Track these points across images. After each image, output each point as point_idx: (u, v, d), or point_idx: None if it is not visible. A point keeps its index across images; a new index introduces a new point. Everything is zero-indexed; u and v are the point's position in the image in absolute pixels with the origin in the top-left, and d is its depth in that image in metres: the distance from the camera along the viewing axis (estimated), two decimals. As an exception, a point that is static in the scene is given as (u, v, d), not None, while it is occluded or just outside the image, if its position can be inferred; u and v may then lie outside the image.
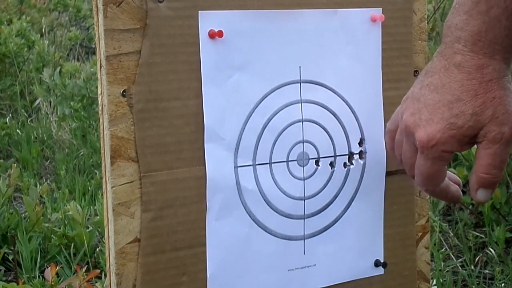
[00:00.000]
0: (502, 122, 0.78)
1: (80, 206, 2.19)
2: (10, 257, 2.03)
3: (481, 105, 0.77)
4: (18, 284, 1.61)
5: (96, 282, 1.79)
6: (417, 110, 0.81)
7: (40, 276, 1.88)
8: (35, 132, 3.33)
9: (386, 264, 1.02)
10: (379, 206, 1.01)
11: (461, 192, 0.92)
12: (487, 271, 1.97)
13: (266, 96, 0.93)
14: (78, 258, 2.02)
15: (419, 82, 0.83)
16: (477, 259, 2.02)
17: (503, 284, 1.88)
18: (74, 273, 1.60)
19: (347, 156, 0.98)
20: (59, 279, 1.79)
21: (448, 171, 0.88)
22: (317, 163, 0.97)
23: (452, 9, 0.79)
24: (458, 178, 0.94)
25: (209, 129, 0.89)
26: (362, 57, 0.99)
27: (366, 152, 0.99)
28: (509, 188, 2.23)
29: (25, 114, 3.63)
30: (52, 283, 1.55)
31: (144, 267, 0.88)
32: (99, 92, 0.87)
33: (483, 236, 2.13)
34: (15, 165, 2.40)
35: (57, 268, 1.60)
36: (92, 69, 3.34)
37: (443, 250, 2.03)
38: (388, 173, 1.01)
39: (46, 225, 2.12)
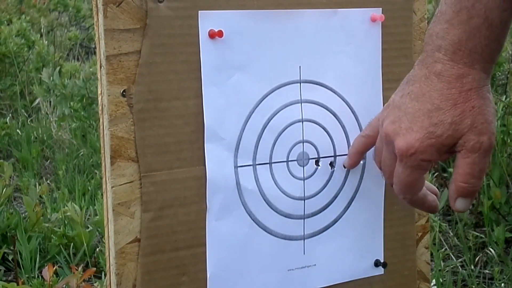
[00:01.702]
0: (481, 131, 0.78)
1: (80, 206, 2.19)
2: (10, 257, 2.03)
3: (460, 114, 0.78)
4: (18, 284, 1.61)
5: (95, 282, 1.79)
6: (398, 118, 0.82)
7: (40, 276, 1.88)
8: (35, 132, 3.32)
9: (386, 264, 1.02)
10: (379, 206, 1.02)
11: (438, 202, 0.92)
12: (487, 271, 1.97)
13: (266, 96, 0.93)
14: (78, 258, 2.02)
15: (400, 90, 0.83)
16: (477, 259, 2.02)
17: (503, 284, 1.88)
18: (73, 273, 1.60)
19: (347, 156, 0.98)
20: (59, 279, 1.79)
21: (426, 181, 0.88)
22: (317, 163, 0.97)
23: (434, 17, 0.79)
24: (435, 188, 0.94)
25: (209, 129, 0.89)
26: (362, 57, 0.99)
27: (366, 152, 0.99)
28: (509, 188, 2.23)
29: (25, 114, 3.63)
30: (51, 282, 1.55)
31: (144, 267, 0.88)
32: (99, 92, 0.87)
33: (483, 236, 2.13)
34: (7, 163, 2.40)
35: (55, 267, 1.60)
36: (91, 69, 3.34)
37: (443, 250, 2.03)
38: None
39: (46, 225, 2.12)
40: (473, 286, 1.89)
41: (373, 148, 0.95)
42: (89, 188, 2.60)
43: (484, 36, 0.76)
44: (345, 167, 0.98)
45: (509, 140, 2.32)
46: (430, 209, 0.91)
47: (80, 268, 1.63)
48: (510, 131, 2.31)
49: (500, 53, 0.80)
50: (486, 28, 0.76)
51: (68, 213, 2.08)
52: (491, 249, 2.02)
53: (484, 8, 0.75)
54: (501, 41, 0.78)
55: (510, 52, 2.98)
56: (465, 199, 0.81)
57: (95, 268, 1.65)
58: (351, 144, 0.97)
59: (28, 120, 3.55)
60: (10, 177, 2.36)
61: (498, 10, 0.75)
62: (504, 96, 2.63)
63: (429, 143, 0.79)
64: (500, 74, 2.79)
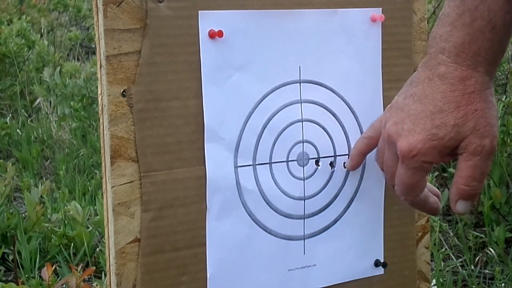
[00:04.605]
0: (483, 134, 0.78)
1: (80, 206, 2.19)
2: (10, 257, 2.03)
3: (463, 117, 0.78)
4: (17, 284, 1.61)
5: (95, 282, 1.79)
6: (400, 119, 0.82)
7: (39, 276, 1.88)
8: (35, 132, 3.33)
9: (386, 264, 1.02)
10: (379, 206, 1.01)
11: (439, 204, 0.92)
12: (487, 271, 1.97)
13: (266, 96, 0.93)
14: (78, 258, 2.02)
15: (403, 92, 0.83)
16: (477, 259, 2.02)
17: (503, 284, 1.88)
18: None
19: (347, 156, 0.98)
20: (59, 279, 1.79)
21: (428, 183, 0.88)
22: (317, 163, 0.97)
23: (438, 20, 0.80)
24: (437, 190, 0.94)
25: (209, 129, 0.89)
26: (362, 57, 0.99)
27: (366, 152, 0.99)
28: (509, 188, 2.23)
29: (25, 114, 3.63)
30: (50, 282, 1.55)
31: (144, 267, 0.88)
32: (99, 92, 0.87)
33: (483, 236, 2.13)
34: (10, 163, 2.40)
35: (54, 267, 1.60)
36: (92, 69, 3.34)
37: (443, 250, 2.03)
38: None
39: (46, 225, 2.12)
40: (473, 286, 1.89)
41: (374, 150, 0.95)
42: (89, 188, 2.60)
43: (488, 39, 0.76)
44: (345, 168, 0.98)
45: (509, 140, 2.32)
46: (431, 211, 0.91)
47: (79, 268, 1.63)
48: (510, 131, 2.31)
49: (503, 56, 0.80)
50: (489, 30, 0.76)
51: (70, 212, 2.08)
52: (491, 249, 2.02)
53: (488, 11, 0.75)
54: (504, 43, 0.78)
55: (510, 52, 2.97)
56: (466, 202, 0.82)
57: (94, 267, 1.65)
58: (353, 146, 0.97)
59: (28, 120, 3.55)
60: (11, 177, 2.36)
61: (502, 12, 0.75)
62: (504, 96, 2.63)
63: (431, 145, 0.79)
64: (500, 74, 2.79)
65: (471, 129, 0.78)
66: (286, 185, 0.95)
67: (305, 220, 0.97)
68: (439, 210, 0.92)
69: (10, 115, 3.60)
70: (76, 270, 1.58)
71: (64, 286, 1.55)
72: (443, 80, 0.78)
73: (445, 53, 0.78)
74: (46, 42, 4.18)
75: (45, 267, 1.57)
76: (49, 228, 2.11)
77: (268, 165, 0.94)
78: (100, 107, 0.86)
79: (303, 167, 0.96)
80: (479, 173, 0.80)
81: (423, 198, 0.88)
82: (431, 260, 1.53)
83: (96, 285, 1.73)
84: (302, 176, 0.96)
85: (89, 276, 1.89)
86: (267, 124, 0.93)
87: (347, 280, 1.00)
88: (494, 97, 0.80)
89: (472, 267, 1.97)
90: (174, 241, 0.89)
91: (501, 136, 2.30)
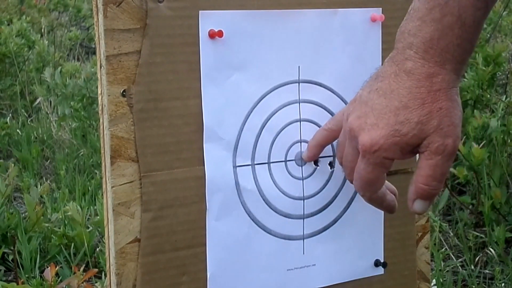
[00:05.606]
0: (446, 134, 0.77)
1: (80, 206, 2.19)
2: (10, 257, 2.03)
3: (427, 115, 0.77)
4: (18, 284, 1.61)
5: (96, 282, 1.80)
6: (364, 113, 0.80)
7: (39, 276, 1.88)
8: (35, 132, 3.33)
9: (386, 264, 1.02)
10: (379, 206, 1.01)
11: (396, 202, 0.90)
12: (487, 271, 1.97)
13: (265, 96, 0.93)
14: (78, 258, 2.02)
15: (368, 86, 0.82)
16: (477, 259, 2.02)
17: (503, 284, 1.88)
18: (74, 273, 1.60)
19: (347, 156, 0.98)
20: (59, 279, 1.79)
21: (386, 181, 0.86)
22: (316, 163, 0.97)
23: (407, 14, 0.78)
24: (394, 187, 0.92)
25: (208, 129, 0.90)
26: (362, 57, 0.99)
27: (366, 152, 0.99)
28: (509, 188, 2.23)
29: (25, 114, 3.63)
30: (52, 283, 1.55)
31: (144, 267, 0.88)
32: (99, 92, 0.87)
33: (483, 236, 2.13)
34: (12, 163, 2.40)
35: (57, 268, 1.60)
36: (92, 69, 3.34)
37: (443, 250, 2.03)
38: (388, 173, 1.01)
39: (46, 225, 2.13)
40: (473, 286, 1.89)
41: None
42: (89, 188, 2.60)
43: (457, 35, 0.75)
44: (302, 158, 0.97)
45: (509, 140, 2.32)
46: (388, 208, 0.89)
47: (82, 269, 1.63)
48: (510, 131, 2.30)
49: (471, 55, 0.79)
50: (459, 27, 0.75)
51: (69, 213, 2.08)
52: (491, 249, 2.02)
53: (458, 6, 0.74)
54: (473, 41, 0.76)
55: (510, 52, 2.97)
56: (423, 201, 0.80)
57: (96, 269, 1.65)
58: (312, 137, 0.96)
59: (28, 120, 3.55)
60: (13, 177, 2.37)
61: (472, 9, 0.74)
62: (504, 96, 2.63)
63: (394, 141, 0.78)
64: (500, 74, 2.79)
65: (435, 128, 0.77)
66: (285, 185, 0.95)
67: (305, 220, 0.97)
68: (396, 208, 0.90)
69: (10, 115, 3.60)
70: (78, 270, 1.58)
71: (66, 287, 1.55)
72: (409, 76, 0.77)
73: (413, 49, 0.77)
74: (46, 42, 4.18)
75: (48, 268, 1.57)
76: (49, 228, 2.11)
77: (266, 164, 0.94)
78: (100, 107, 0.86)
79: (301, 167, 0.96)
80: (440, 173, 0.78)
81: (381, 195, 0.87)
82: (431, 260, 1.53)
83: (99, 285, 1.74)
84: (301, 176, 0.96)
85: (89, 276, 1.89)
86: (266, 124, 0.93)
87: (346, 280, 1.00)
88: (459, 97, 0.79)
89: (472, 267, 1.97)
90: (174, 241, 0.89)
91: (501, 136, 2.30)
